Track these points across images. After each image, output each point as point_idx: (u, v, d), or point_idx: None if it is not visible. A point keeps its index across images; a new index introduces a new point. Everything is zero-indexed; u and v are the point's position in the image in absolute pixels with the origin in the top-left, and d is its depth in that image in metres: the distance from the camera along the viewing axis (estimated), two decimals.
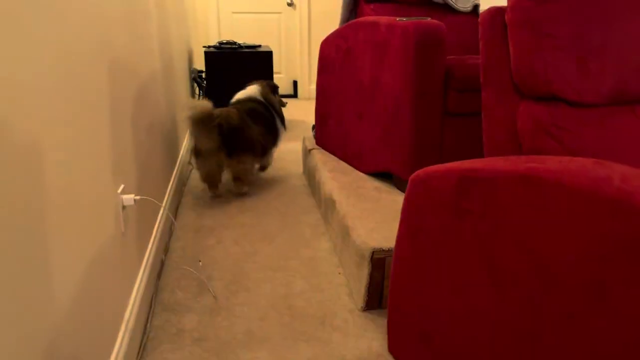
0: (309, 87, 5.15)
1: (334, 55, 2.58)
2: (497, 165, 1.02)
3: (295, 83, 5.22)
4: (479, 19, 1.26)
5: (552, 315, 0.90)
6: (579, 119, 1.07)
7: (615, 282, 0.78)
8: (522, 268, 0.94)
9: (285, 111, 4.36)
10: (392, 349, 1.45)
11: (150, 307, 1.64)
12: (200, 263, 1.83)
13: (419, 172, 1.24)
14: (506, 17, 1.16)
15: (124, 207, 1.36)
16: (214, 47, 3.85)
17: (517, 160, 1.01)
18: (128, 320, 1.34)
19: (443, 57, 2.00)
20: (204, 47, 3.89)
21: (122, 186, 1.37)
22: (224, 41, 3.95)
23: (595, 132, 1.06)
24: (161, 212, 2.01)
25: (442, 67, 2.00)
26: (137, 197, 1.43)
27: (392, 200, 2.03)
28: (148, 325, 1.56)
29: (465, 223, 1.09)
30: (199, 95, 3.94)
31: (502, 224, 0.98)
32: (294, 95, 5.25)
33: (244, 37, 4.94)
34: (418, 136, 2.02)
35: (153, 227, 1.85)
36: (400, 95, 2.04)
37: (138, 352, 1.42)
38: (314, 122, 3.14)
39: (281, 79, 5.13)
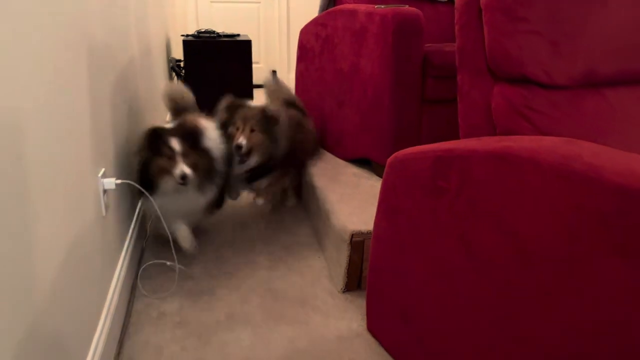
0: (288, 76, 5.15)
1: (313, 44, 2.59)
2: (472, 145, 1.05)
3: (274, 73, 5.22)
4: (455, 4, 1.28)
5: (527, 291, 0.93)
6: (550, 101, 1.10)
7: (586, 255, 0.81)
8: (498, 245, 0.98)
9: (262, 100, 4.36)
10: (371, 327, 1.48)
11: (132, 291, 1.64)
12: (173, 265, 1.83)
13: (397, 153, 1.27)
14: (481, 1, 1.19)
15: (104, 191, 1.37)
16: (192, 36, 3.83)
17: (491, 140, 1.04)
18: (110, 303, 1.34)
19: (421, 45, 2.03)
20: (182, 35, 3.86)
21: (102, 170, 1.37)
22: (203, 30, 3.93)
23: (565, 113, 1.10)
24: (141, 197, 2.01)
25: (420, 54, 2.03)
26: (118, 181, 1.43)
27: (371, 186, 2.06)
28: (130, 309, 1.57)
29: (442, 202, 1.12)
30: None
31: (477, 202, 1.02)
32: None
33: (223, 26, 4.91)
34: (396, 123, 2.05)
35: (134, 212, 1.85)
36: (379, 83, 2.06)
37: (120, 335, 1.43)
38: None
39: (260, 69, 5.12)
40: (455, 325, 1.13)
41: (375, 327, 1.46)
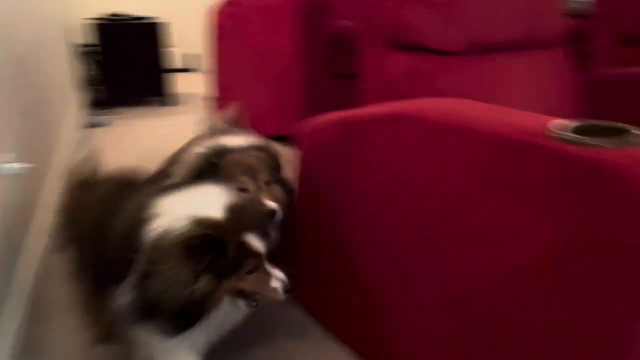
0: (204, 60, 5.08)
1: (228, 23, 2.58)
2: (373, 110, 1.10)
3: (189, 56, 5.13)
4: None
5: (420, 234, 0.99)
6: (444, 66, 1.18)
7: (474, 200, 0.88)
8: (396, 198, 1.04)
9: (179, 84, 4.28)
10: (299, 299, 1.52)
11: (44, 275, 1.60)
12: None
13: (308, 124, 1.30)
14: None
15: (6, 176, 1.32)
16: (103, 19, 3.69)
17: (389, 104, 1.10)
18: (16, 289, 1.31)
19: (333, 22, 2.07)
20: (90, 19, 3.71)
21: (5, 154, 1.32)
22: (114, 13, 3.80)
23: (458, 77, 1.17)
24: (48, 184, 1.95)
25: (332, 31, 2.07)
26: (22, 166, 1.38)
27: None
28: (42, 296, 1.53)
29: (349, 166, 1.17)
30: (90, 73, 3.76)
31: (379, 161, 1.07)
32: (190, 69, 5.17)
33: (136, 8, 4.76)
34: (309, 98, 2.09)
35: (40, 199, 1.79)
36: (292, 60, 2.09)
37: (30, 325, 1.39)
38: (209, 94, 3.11)
39: (177, 53, 5.01)
40: (375, 285, 1.19)
41: (304, 297, 1.50)
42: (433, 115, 0.93)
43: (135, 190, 1.10)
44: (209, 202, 1.01)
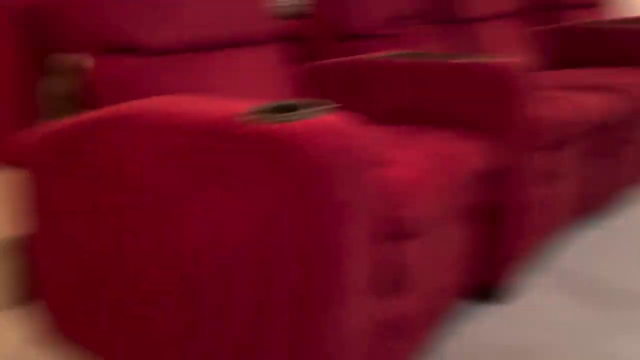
0: None
1: None
2: (92, 117, 1.08)
3: None
4: None
5: (144, 234, 1.02)
6: (154, 67, 1.23)
7: (193, 189, 0.92)
8: (123, 200, 1.05)
9: None
10: (62, 330, 1.41)
11: None
12: None
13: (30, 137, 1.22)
14: None
15: None
16: None
17: (107, 110, 1.09)
18: None
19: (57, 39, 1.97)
20: None
21: None
22: None
23: (169, 77, 1.24)
24: None
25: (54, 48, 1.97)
26: None
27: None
28: None
29: (80, 180, 1.12)
30: None
31: (106, 168, 1.05)
32: None
33: None
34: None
35: None
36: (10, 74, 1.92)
37: None
38: None
39: None
40: (130, 298, 1.15)
41: (66, 329, 1.39)
42: (135, 113, 0.96)
43: None
44: None
